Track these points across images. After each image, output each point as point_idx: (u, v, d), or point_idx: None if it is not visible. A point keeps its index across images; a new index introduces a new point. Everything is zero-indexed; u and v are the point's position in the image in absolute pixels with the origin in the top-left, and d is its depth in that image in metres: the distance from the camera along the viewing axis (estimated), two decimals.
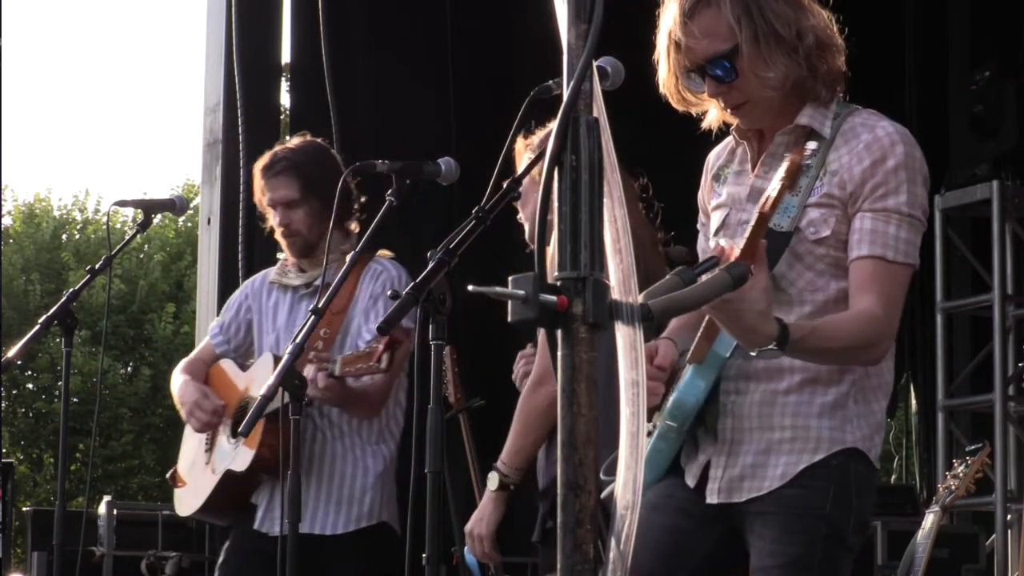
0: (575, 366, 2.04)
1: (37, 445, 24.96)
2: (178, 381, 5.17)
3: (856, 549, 3.28)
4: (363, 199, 5.12)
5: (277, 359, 4.93)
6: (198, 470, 5.15)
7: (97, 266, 5.10)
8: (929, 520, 5.31)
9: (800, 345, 3.10)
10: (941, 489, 5.41)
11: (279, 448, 4.87)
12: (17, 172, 49.36)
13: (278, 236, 5.09)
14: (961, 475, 5.33)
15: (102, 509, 7.89)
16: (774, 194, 3.08)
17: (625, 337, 2.15)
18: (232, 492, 5.03)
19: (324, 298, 4.13)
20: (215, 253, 7.67)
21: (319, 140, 5.23)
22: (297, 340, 4.11)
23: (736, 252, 3.04)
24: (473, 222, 3.58)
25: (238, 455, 4.97)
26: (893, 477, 11.28)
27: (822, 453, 3.23)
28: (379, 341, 4.60)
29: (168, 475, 5.30)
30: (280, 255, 5.25)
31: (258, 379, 4.98)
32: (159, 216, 5.41)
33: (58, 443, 5.31)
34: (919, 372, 10.05)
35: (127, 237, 5.70)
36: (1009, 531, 7.21)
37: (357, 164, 4.41)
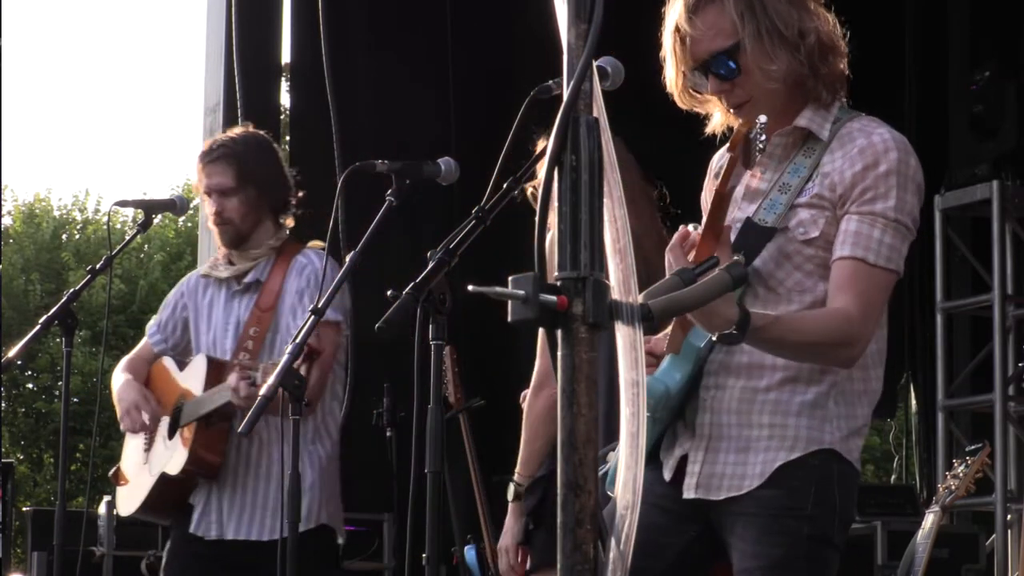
0: (575, 366, 2.04)
1: (37, 445, 24.97)
2: (119, 379, 5.11)
3: (842, 547, 3.29)
4: (301, 194, 5.12)
5: (211, 360, 4.93)
6: (138, 469, 5.13)
7: (97, 266, 5.10)
8: (929, 520, 5.31)
9: (762, 334, 3.12)
10: (941, 489, 5.41)
11: (216, 450, 4.86)
12: (17, 172, 49.37)
13: (211, 224, 5.05)
14: (961, 475, 5.33)
15: (102, 509, 7.89)
16: (725, 166, 3.15)
17: (625, 337, 2.15)
18: (168, 493, 4.99)
19: (323, 299, 4.13)
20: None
21: (261, 132, 5.20)
22: (297, 340, 4.10)
23: (697, 235, 3.07)
24: (473, 222, 3.58)
25: (173, 457, 4.95)
26: (893, 477, 11.28)
27: (798, 451, 3.23)
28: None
29: (111, 473, 5.29)
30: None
31: (192, 381, 4.97)
32: (159, 216, 5.41)
33: (58, 443, 5.31)
34: (919, 372, 10.05)
35: (127, 237, 5.70)
36: (1009, 531, 7.21)
37: (357, 164, 4.40)
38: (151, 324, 5.27)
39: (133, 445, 5.19)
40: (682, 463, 3.31)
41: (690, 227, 3.20)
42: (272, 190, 5.03)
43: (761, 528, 3.22)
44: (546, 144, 4.19)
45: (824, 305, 3.23)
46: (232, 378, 4.66)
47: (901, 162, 3.22)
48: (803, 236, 3.23)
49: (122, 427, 5.08)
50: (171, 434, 5.00)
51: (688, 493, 3.29)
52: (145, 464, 5.09)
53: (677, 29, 3.29)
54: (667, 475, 3.33)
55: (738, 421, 3.27)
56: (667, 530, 3.32)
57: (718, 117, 3.37)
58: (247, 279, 5.02)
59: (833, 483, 3.24)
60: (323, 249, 4.94)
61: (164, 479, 4.96)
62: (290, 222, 5.08)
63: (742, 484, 3.25)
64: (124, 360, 5.23)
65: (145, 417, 4.99)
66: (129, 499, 5.12)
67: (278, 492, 4.86)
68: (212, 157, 4.98)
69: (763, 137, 3.21)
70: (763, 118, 3.20)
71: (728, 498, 3.26)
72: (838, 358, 3.24)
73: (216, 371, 4.89)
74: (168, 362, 5.16)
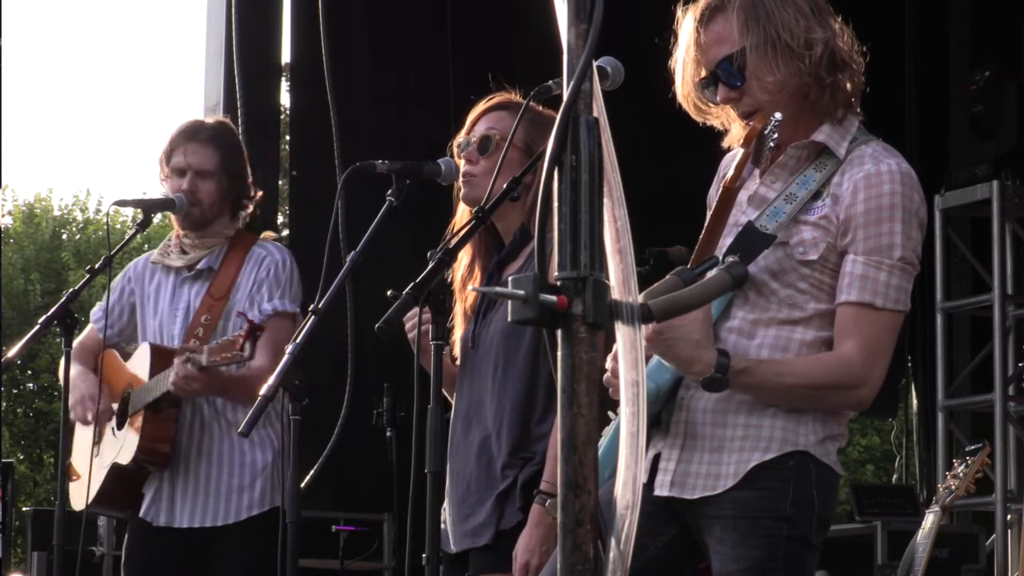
0: (575, 366, 2.04)
1: (37, 445, 24.95)
2: (72, 371, 5.05)
3: (820, 547, 3.30)
4: (259, 194, 5.16)
5: (156, 348, 4.93)
6: (87, 463, 5.10)
7: (97, 266, 5.10)
8: (929, 520, 5.31)
9: (745, 377, 3.16)
10: (941, 489, 5.41)
11: (165, 438, 4.87)
12: (17, 172, 49.37)
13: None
14: (961, 475, 5.33)
15: None
16: (737, 161, 3.17)
17: (625, 337, 2.15)
18: (121, 484, 4.98)
19: (324, 299, 4.13)
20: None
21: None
22: (298, 340, 4.10)
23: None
24: (473, 222, 3.58)
25: (123, 447, 4.94)
26: (895, 477, 11.28)
27: (772, 453, 3.24)
28: (243, 329, 4.57)
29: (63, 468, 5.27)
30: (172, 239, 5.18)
31: (138, 369, 4.97)
32: (159, 216, 5.41)
33: (58, 443, 5.30)
34: (919, 372, 10.05)
35: (127, 237, 5.70)
36: (1009, 531, 7.20)
37: (357, 164, 4.40)
38: (95, 309, 5.23)
39: (82, 438, 5.16)
40: (656, 463, 3.32)
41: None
42: (240, 184, 5.05)
43: (743, 530, 3.23)
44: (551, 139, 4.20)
45: (808, 321, 3.25)
46: (176, 362, 4.67)
47: (906, 196, 3.23)
48: (802, 256, 3.24)
49: (72, 416, 5.04)
50: (120, 424, 4.99)
51: (661, 491, 3.29)
52: (96, 457, 5.07)
53: (688, 42, 3.31)
54: (643, 476, 3.34)
55: (713, 421, 3.28)
56: (644, 530, 3.32)
57: (735, 131, 3.37)
58: (199, 266, 5.01)
59: (811, 484, 3.25)
60: (278, 240, 4.96)
61: (116, 469, 4.95)
62: (245, 214, 5.09)
63: (716, 484, 3.26)
64: (73, 348, 5.13)
65: (92, 412, 4.97)
66: (82, 493, 5.08)
67: (229, 478, 4.91)
68: (200, 137, 4.99)
69: (776, 135, 3.22)
70: (778, 115, 3.21)
71: (703, 498, 3.27)
72: (842, 401, 3.27)
73: (162, 358, 4.87)
74: (114, 354, 5.13)
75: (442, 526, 4.04)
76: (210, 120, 5.16)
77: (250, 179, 5.10)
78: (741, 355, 3.19)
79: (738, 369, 3.13)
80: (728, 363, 3.12)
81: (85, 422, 5.04)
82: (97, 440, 5.09)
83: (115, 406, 5.05)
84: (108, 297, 5.13)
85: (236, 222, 5.06)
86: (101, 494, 5.03)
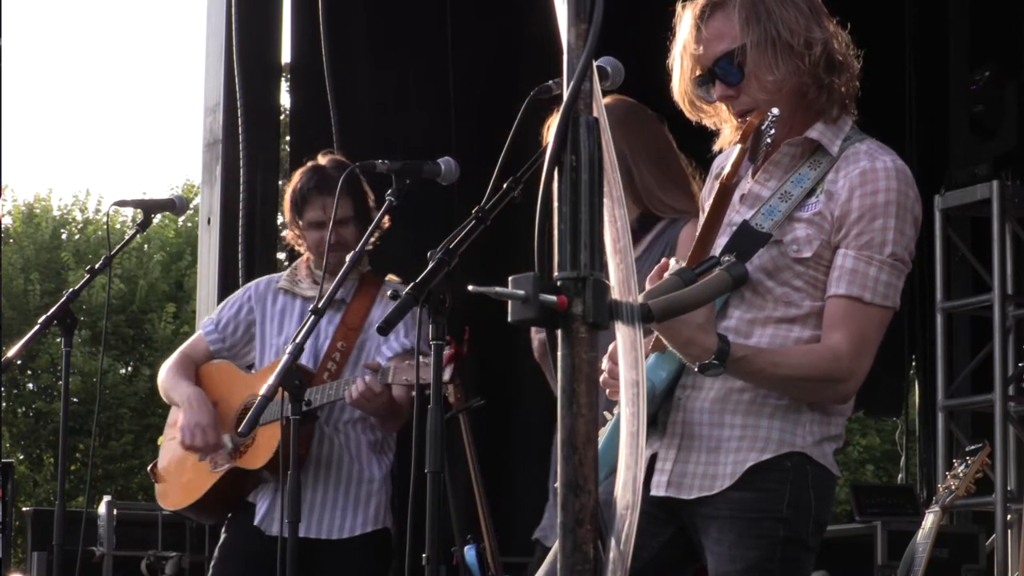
0: (575, 366, 2.04)
1: (37, 445, 24.95)
2: (181, 386, 5.17)
3: (816, 548, 3.30)
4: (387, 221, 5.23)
5: (298, 366, 4.99)
6: (187, 466, 5.15)
7: (97, 266, 5.11)
8: (929, 520, 5.31)
9: (743, 365, 3.15)
10: (941, 489, 5.41)
11: (303, 447, 4.95)
12: (17, 172, 49.37)
13: (316, 252, 5.11)
14: (961, 475, 5.33)
15: (102, 509, 7.90)
16: (734, 157, 3.17)
17: (625, 337, 2.15)
18: (231, 490, 5.07)
19: (324, 299, 4.15)
20: (215, 253, 7.67)
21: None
22: (297, 340, 4.12)
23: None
24: (473, 222, 3.58)
25: (251, 453, 5.02)
26: (900, 476, 11.27)
27: (769, 453, 3.24)
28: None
29: (149, 468, 5.31)
30: (280, 259, 5.28)
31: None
32: (159, 216, 5.43)
33: (58, 443, 5.31)
34: (919, 372, 10.05)
35: (127, 237, 5.70)
36: (1009, 531, 7.20)
37: (357, 164, 4.41)
38: (207, 322, 5.33)
39: (176, 442, 5.21)
40: (651, 463, 3.32)
41: (671, 261, 3.21)
42: (371, 217, 5.14)
43: (739, 531, 3.23)
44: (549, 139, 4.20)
45: (804, 319, 3.25)
46: (360, 381, 4.82)
47: (901, 193, 3.23)
48: (795, 254, 3.25)
49: (182, 441, 5.10)
50: (245, 430, 5.04)
51: (657, 491, 3.29)
52: (202, 460, 5.13)
53: (686, 39, 3.31)
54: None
55: (710, 421, 3.28)
56: (641, 530, 3.32)
57: (727, 132, 3.37)
58: (335, 296, 5.08)
59: (808, 485, 3.25)
60: (399, 282, 5.06)
61: (234, 474, 5.03)
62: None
63: (713, 484, 3.26)
64: (175, 359, 5.27)
65: (207, 443, 5.06)
66: (179, 495, 5.18)
67: (347, 492, 5.04)
68: (332, 190, 5.02)
69: (773, 131, 3.22)
70: (775, 110, 3.21)
71: (700, 498, 3.27)
72: (828, 394, 3.26)
73: (306, 377, 4.95)
74: (226, 364, 5.23)
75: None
76: (329, 164, 5.20)
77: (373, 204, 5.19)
78: (741, 342, 3.19)
79: (736, 357, 3.14)
80: (728, 350, 3.12)
81: (193, 449, 5.10)
82: None
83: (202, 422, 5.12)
84: (221, 310, 5.29)
85: (366, 258, 5.18)
86: (206, 498, 5.11)
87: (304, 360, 5.04)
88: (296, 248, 5.32)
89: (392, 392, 4.86)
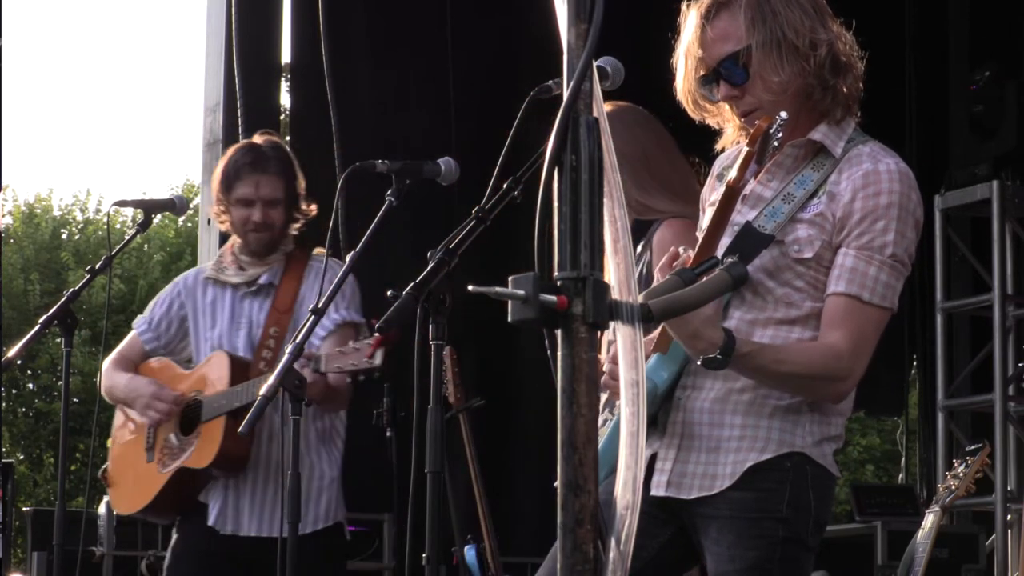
0: (575, 366, 2.04)
1: (37, 445, 24.95)
2: (120, 378, 5.13)
3: (816, 548, 3.30)
4: (313, 208, 5.24)
5: (233, 358, 4.98)
6: (136, 469, 5.12)
7: (97, 266, 5.10)
8: (929, 520, 5.31)
9: (747, 361, 3.15)
10: (941, 489, 5.40)
11: (245, 444, 4.90)
12: (17, 172, 49.36)
13: (240, 230, 5.09)
14: (961, 475, 5.33)
15: (102, 509, 7.89)
16: (741, 158, 3.17)
17: (625, 337, 2.15)
18: (181, 489, 5.02)
19: (323, 299, 4.14)
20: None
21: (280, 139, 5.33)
22: (297, 340, 4.12)
23: (687, 256, 3.10)
24: (473, 222, 3.58)
25: (195, 451, 4.97)
26: (901, 475, 11.28)
27: (769, 453, 3.24)
28: (373, 338, 4.60)
29: (99, 473, 5.28)
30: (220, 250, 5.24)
31: (212, 377, 5.00)
32: (159, 216, 5.43)
33: (58, 443, 5.31)
34: (919, 372, 10.05)
35: (127, 237, 5.70)
36: (1009, 531, 7.20)
37: (357, 164, 4.41)
38: (139, 321, 5.28)
39: (125, 444, 5.19)
40: (651, 462, 3.32)
41: (680, 249, 3.21)
42: (299, 202, 5.16)
43: (739, 531, 3.23)
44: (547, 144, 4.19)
45: (805, 320, 3.25)
46: (295, 366, 4.72)
47: (903, 196, 3.23)
48: (797, 254, 3.25)
49: (147, 420, 5.07)
50: (186, 429, 5.02)
51: (657, 491, 3.29)
52: (152, 462, 5.09)
53: (691, 38, 3.30)
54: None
55: (710, 421, 3.28)
56: (641, 530, 3.32)
57: (729, 132, 3.37)
58: (260, 281, 5.09)
59: (807, 486, 3.26)
60: (327, 255, 5.02)
61: (183, 474, 4.98)
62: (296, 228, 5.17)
63: (713, 484, 3.26)
64: (112, 360, 5.23)
65: (169, 403, 5.02)
66: (131, 498, 5.13)
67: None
68: (267, 169, 5.06)
69: (780, 135, 3.22)
70: (784, 114, 3.21)
71: (699, 498, 3.27)
72: (826, 392, 3.26)
73: (240, 369, 4.95)
74: (163, 361, 5.18)
75: None
76: (265, 144, 5.17)
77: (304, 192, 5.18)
78: (745, 338, 3.20)
79: (741, 352, 3.14)
80: (733, 345, 3.12)
81: (162, 419, 5.04)
82: (149, 446, 5.12)
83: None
84: (153, 308, 5.22)
85: (290, 237, 5.14)
86: (158, 500, 5.07)
87: (242, 352, 5.02)
88: (218, 225, 5.26)
89: (328, 379, 4.80)
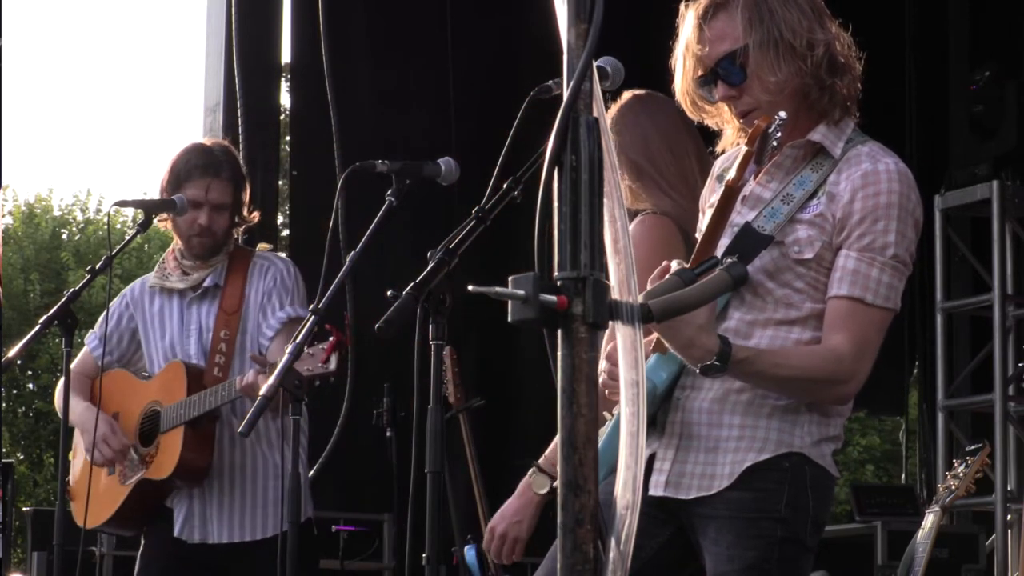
0: (575, 366, 2.04)
1: (37, 445, 24.95)
2: (77, 404, 5.05)
3: (814, 549, 3.30)
4: (256, 215, 5.21)
5: (188, 366, 4.95)
6: (100, 482, 5.09)
7: (97, 266, 5.09)
8: (929, 520, 5.31)
9: (745, 366, 3.15)
10: (941, 489, 5.41)
11: (204, 452, 4.88)
12: (17, 172, 49.35)
13: (183, 233, 5.03)
14: (961, 475, 5.33)
15: None
16: (740, 159, 3.16)
17: (625, 337, 2.15)
18: (144, 501, 4.99)
19: (323, 299, 4.14)
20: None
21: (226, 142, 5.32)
22: (297, 340, 4.11)
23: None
24: (473, 222, 3.58)
25: (157, 463, 4.95)
26: (904, 475, 11.28)
27: (767, 453, 3.24)
28: (328, 343, 4.56)
29: (65, 488, 5.23)
30: (166, 256, 5.20)
31: (169, 387, 4.98)
32: (159, 216, 5.41)
33: (58, 443, 5.30)
34: (918, 372, 10.05)
35: (127, 237, 5.70)
36: (1009, 531, 7.21)
37: (357, 164, 4.40)
38: (91, 337, 5.24)
39: (86, 458, 5.14)
40: (649, 462, 3.32)
41: (673, 264, 3.20)
42: (243, 208, 5.13)
43: (737, 531, 3.23)
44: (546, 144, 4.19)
45: (805, 321, 3.25)
46: (250, 374, 4.71)
47: (903, 195, 3.23)
48: (797, 255, 3.24)
49: (92, 460, 5.02)
50: (146, 441, 5.00)
51: (656, 491, 3.29)
52: (111, 475, 5.06)
53: (689, 39, 3.30)
54: None
55: (708, 421, 3.28)
56: (640, 530, 3.32)
57: (728, 133, 3.37)
58: (205, 283, 5.05)
59: (806, 486, 3.25)
60: (272, 250, 5.00)
61: (144, 485, 4.95)
62: (239, 231, 5.17)
63: (712, 484, 3.26)
64: (70, 377, 5.07)
65: (115, 450, 4.98)
66: (94, 512, 5.05)
67: (263, 492, 4.95)
68: (219, 174, 5.02)
69: (779, 135, 3.22)
70: (783, 114, 3.21)
71: (698, 498, 3.27)
72: (829, 395, 3.26)
73: (196, 376, 4.92)
74: (122, 373, 5.15)
75: None
76: (216, 148, 5.14)
77: (249, 195, 5.15)
78: (741, 343, 3.20)
79: (738, 358, 3.14)
80: (729, 352, 3.12)
81: (105, 464, 5.03)
82: None
83: (107, 425, 5.04)
84: (105, 323, 5.15)
85: (232, 239, 5.11)
86: (122, 512, 5.04)
87: (195, 358, 4.99)
88: (161, 226, 5.14)
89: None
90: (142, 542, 5.12)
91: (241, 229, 5.15)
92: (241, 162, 5.18)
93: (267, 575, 4.80)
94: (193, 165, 5.01)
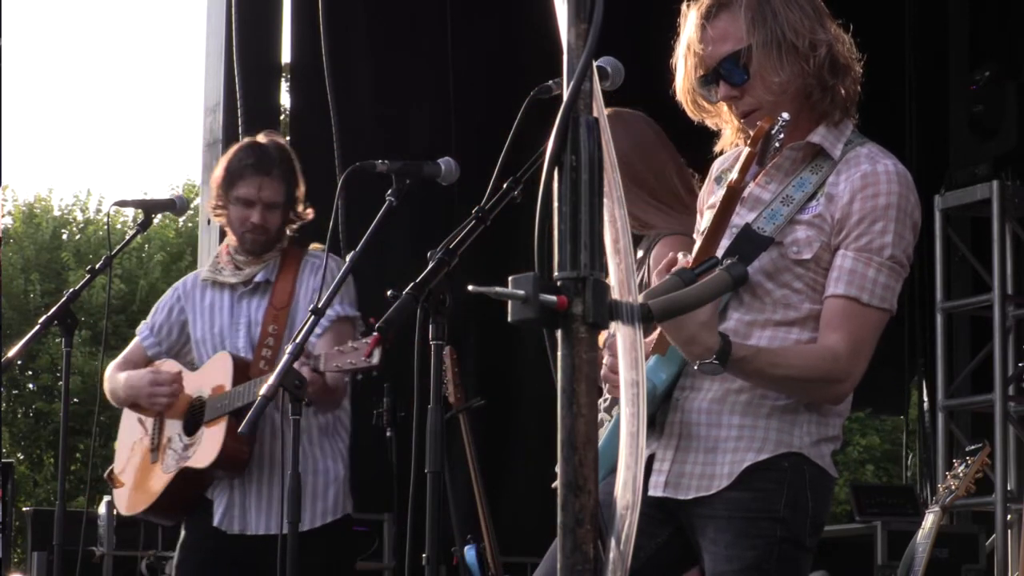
0: (575, 366, 2.04)
1: (37, 445, 24.95)
2: (119, 378, 5.16)
3: (813, 549, 3.30)
4: (310, 212, 5.24)
5: (235, 358, 5.00)
6: (142, 469, 5.14)
7: (97, 266, 5.11)
8: (929, 520, 5.31)
9: (743, 365, 3.16)
10: (941, 489, 5.41)
11: (246, 444, 4.92)
12: (17, 172, 49.35)
13: (236, 230, 5.09)
14: (961, 475, 5.33)
15: (102, 509, 7.90)
16: (743, 160, 3.16)
17: (625, 337, 2.15)
18: (185, 490, 5.03)
19: (323, 299, 4.15)
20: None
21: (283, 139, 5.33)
22: (297, 340, 4.12)
23: (687, 261, 3.10)
24: (473, 222, 3.58)
25: (199, 451, 4.98)
26: (908, 474, 11.28)
27: (766, 453, 3.24)
28: (371, 337, 4.60)
29: (105, 475, 5.28)
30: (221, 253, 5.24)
31: (215, 378, 5.02)
32: (159, 216, 5.44)
33: (58, 443, 5.32)
34: (918, 372, 10.05)
35: (127, 237, 5.71)
36: (1009, 531, 7.21)
37: (357, 164, 4.40)
38: (142, 327, 5.32)
39: (131, 445, 5.21)
40: (648, 463, 3.32)
41: (680, 255, 3.21)
42: (298, 205, 5.17)
43: (735, 532, 3.23)
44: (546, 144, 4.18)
45: (803, 322, 3.25)
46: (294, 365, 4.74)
47: (902, 197, 3.23)
48: (795, 255, 3.25)
49: (156, 407, 5.08)
50: (190, 430, 5.03)
51: (655, 491, 3.29)
52: (155, 463, 5.11)
53: (691, 38, 3.30)
54: None
55: (707, 421, 3.28)
56: (639, 531, 3.32)
57: (727, 134, 3.37)
58: (256, 279, 5.10)
59: (805, 486, 3.26)
60: (323, 250, 5.01)
61: (186, 474, 5.00)
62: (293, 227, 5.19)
63: (711, 484, 3.26)
64: (116, 363, 5.26)
65: (168, 389, 5.04)
66: (135, 499, 5.15)
67: (305, 485, 4.93)
68: (269, 172, 5.05)
69: (782, 136, 3.22)
70: (786, 115, 3.21)
71: (697, 499, 3.27)
72: (824, 394, 3.26)
73: (242, 368, 4.97)
74: (170, 364, 5.19)
75: None
76: (270, 145, 5.16)
77: (303, 193, 5.19)
78: (743, 339, 3.20)
79: (737, 357, 3.14)
80: (729, 350, 3.12)
81: (166, 405, 5.06)
82: (154, 447, 5.13)
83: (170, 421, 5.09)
84: (155, 314, 5.25)
85: (286, 237, 5.16)
86: (162, 500, 5.08)
87: (243, 352, 5.04)
88: (214, 219, 5.25)
89: (326, 379, 4.80)
90: (182, 532, 5.16)
91: (295, 226, 5.17)
92: (294, 159, 5.19)
93: (304, 567, 4.87)
94: (246, 164, 5.06)
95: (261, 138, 5.20)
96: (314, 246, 5.19)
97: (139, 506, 5.14)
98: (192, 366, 5.19)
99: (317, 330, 4.94)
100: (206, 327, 5.13)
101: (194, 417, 5.05)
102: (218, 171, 5.14)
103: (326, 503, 5.01)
